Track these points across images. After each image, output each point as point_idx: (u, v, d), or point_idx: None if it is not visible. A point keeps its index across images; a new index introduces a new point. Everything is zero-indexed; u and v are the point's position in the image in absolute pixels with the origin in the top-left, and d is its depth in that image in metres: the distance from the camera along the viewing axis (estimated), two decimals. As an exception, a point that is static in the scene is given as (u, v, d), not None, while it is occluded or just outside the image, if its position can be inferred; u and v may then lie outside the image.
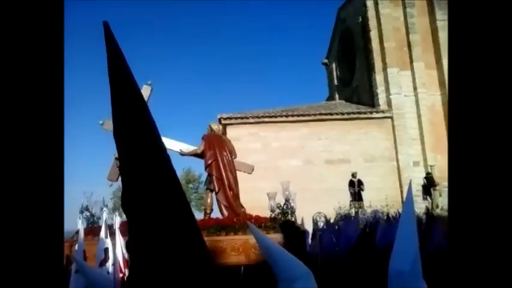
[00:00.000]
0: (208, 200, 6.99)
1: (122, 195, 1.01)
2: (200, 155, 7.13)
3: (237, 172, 7.17)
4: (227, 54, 70.48)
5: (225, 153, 6.95)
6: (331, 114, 16.96)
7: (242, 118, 16.71)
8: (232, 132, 16.65)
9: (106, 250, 5.16)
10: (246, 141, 16.40)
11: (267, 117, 16.74)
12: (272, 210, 6.46)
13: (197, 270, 0.98)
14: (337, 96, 23.69)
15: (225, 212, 6.67)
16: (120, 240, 5.26)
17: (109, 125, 8.59)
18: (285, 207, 6.39)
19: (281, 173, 15.81)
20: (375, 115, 17.02)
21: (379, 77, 17.75)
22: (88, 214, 6.52)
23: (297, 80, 69.80)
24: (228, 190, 6.80)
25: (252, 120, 16.69)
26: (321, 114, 16.90)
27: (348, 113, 17.10)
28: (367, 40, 18.54)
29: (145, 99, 9.25)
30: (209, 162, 6.89)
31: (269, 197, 6.62)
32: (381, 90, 17.59)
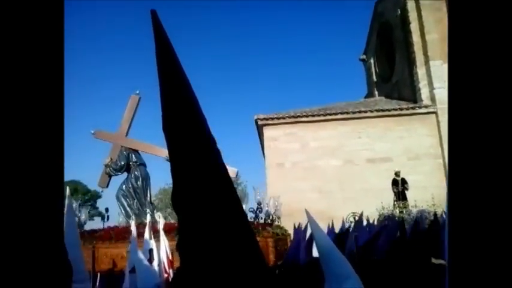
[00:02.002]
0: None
1: (172, 194, 0.98)
2: None
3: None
4: (261, 53, 70.68)
5: None
6: (371, 111, 16.44)
7: (279, 118, 16.58)
8: (269, 133, 16.60)
9: (150, 251, 5.27)
10: (283, 141, 16.29)
11: (304, 116, 16.51)
12: None
13: (249, 270, 0.95)
14: (376, 92, 22.99)
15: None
16: (164, 241, 5.36)
17: (100, 134, 9.09)
18: (258, 212, 6.38)
19: (321, 173, 15.58)
20: (417, 111, 16.32)
21: (421, 71, 17.03)
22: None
23: (334, 77, 68.66)
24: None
25: (289, 120, 16.52)
26: (360, 111, 16.43)
27: (389, 110, 16.50)
28: (407, 33, 17.85)
29: (134, 108, 9.67)
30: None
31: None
32: (423, 85, 16.87)
